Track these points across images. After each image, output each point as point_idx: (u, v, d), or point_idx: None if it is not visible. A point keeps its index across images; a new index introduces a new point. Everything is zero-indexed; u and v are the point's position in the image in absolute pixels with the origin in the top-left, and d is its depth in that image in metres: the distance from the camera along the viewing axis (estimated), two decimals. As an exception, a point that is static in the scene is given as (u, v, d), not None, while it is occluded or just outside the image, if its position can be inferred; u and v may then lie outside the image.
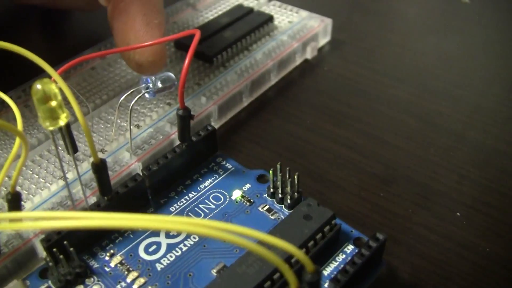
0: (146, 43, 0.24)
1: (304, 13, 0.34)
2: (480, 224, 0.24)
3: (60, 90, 0.19)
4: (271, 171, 0.23)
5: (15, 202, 0.21)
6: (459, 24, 0.38)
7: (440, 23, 0.38)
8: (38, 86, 0.18)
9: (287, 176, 0.23)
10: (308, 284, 0.17)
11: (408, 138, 0.28)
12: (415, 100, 0.31)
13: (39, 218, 0.15)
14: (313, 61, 0.34)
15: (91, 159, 0.20)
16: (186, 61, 0.21)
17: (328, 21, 0.34)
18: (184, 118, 0.22)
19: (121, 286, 0.20)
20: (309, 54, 0.33)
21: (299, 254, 0.16)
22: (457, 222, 0.24)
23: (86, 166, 0.24)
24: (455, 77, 0.33)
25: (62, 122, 0.19)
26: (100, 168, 0.20)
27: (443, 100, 0.31)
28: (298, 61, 0.33)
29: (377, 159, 0.27)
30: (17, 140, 0.20)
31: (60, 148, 0.25)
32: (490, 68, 0.33)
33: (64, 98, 0.19)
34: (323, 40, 0.35)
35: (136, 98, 0.24)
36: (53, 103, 0.19)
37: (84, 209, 0.22)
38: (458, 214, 0.24)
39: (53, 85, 0.18)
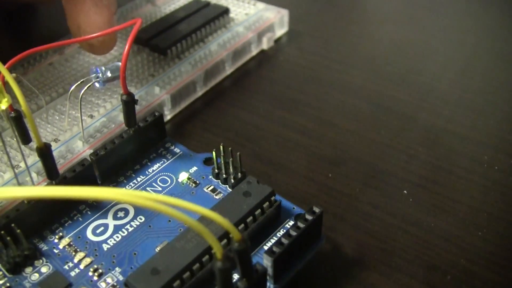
0: (94, 34, 0.25)
1: (261, 5, 0.35)
2: (426, 201, 0.25)
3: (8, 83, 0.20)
4: (214, 153, 0.23)
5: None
6: (417, 13, 0.38)
7: (397, 12, 0.39)
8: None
9: (230, 156, 0.23)
10: (236, 252, 0.17)
11: (359, 121, 0.29)
12: (368, 86, 0.32)
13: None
14: (269, 52, 0.34)
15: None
16: (126, 47, 0.22)
17: (285, 12, 0.35)
18: (128, 103, 0.23)
19: (68, 266, 0.21)
20: (265, 44, 0.34)
21: (225, 223, 0.16)
22: (403, 199, 0.25)
23: (38, 154, 0.25)
24: (410, 63, 0.33)
25: (3, 106, 0.20)
26: (44, 152, 0.21)
27: (396, 85, 0.32)
28: (254, 51, 0.34)
29: (327, 142, 0.28)
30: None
31: (15, 139, 0.26)
32: (444, 54, 0.34)
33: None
34: (280, 31, 0.35)
35: (85, 87, 0.25)
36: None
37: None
38: (405, 192, 0.25)
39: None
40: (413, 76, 0.32)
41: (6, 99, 0.20)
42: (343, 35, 0.36)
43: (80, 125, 0.25)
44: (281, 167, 0.27)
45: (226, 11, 0.33)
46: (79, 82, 0.25)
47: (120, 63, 0.25)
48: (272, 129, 0.29)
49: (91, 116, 0.27)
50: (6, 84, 0.20)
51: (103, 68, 0.25)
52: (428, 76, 0.32)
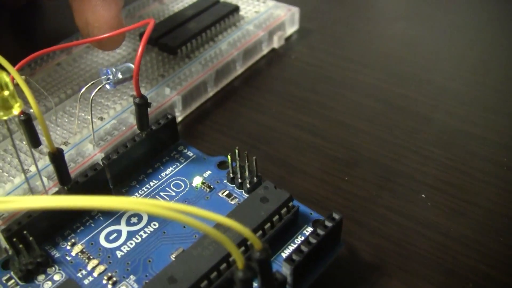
0: (106, 35, 0.25)
1: (270, 3, 0.35)
2: (443, 204, 0.24)
3: (18, 85, 0.19)
4: (229, 157, 0.23)
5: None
6: (428, 10, 0.38)
7: (408, 9, 0.38)
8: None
9: (246, 160, 0.23)
10: (257, 262, 0.17)
11: (372, 121, 0.29)
12: (381, 85, 0.31)
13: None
14: (280, 50, 0.34)
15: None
16: (139, 50, 0.22)
17: (295, 10, 0.34)
18: (141, 106, 0.23)
19: (81, 274, 0.21)
20: (276, 43, 0.33)
21: (245, 231, 0.16)
22: (420, 202, 0.25)
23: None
24: (422, 61, 0.33)
25: (16, 111, 0.19)
26: (56, 157, 0.21)
27: (409, 84, 0.31)
28: (265, 50, 0.33)
29: (340, 143, 0.27)
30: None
31: (24, 142, 0.25)
32: (458, 53, 0.34)
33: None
34: (291, 29, 0.35)
35: (96, 90, 0.24)
36: (6, 93, 0.19)
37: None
38: (422, 195, 0.25)
39: (4, 74, 0.19)
40: (427, 74, 0.32)
41: (18, 104, 0.19)
42: (354, 32, 0.36)
43: (91, 128, 0.25)
44: (295, 169, 0.26)
45: (236, 9, 0.33)
46: (89, 84, 0.25)
47: (131, 65, 0.25)
48: (285, 130, 0.28)
49: (101, 118, 0.26)
50: (16, 86, 0.20)
51: (114, 70, 0.25)
52: (442, 74, 0.32)
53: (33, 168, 0.24)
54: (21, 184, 0.24)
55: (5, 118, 0.19)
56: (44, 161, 0.24)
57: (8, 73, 0.19)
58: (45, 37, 0.36)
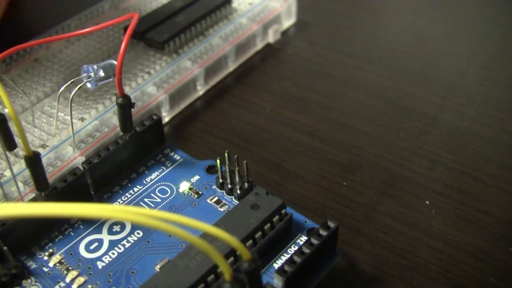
0: (87, 30, 0.25)
1: (266, -6, 0.35)
2: (451, 212, 0.25)
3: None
4: (218, 161, 0.24)
5: None
6: (436, 1, 0.39)
7: (415, 0, 0.39)
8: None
9: (236, 165, 0.23)
10: (246, 273, 0.18)
11: (375, 123, 0.29)
12: (385, 83, 0.32)
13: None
14: (276, 45, 0.35)
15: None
16: (122, 46, 0.22)
17: (292, 1, 0.35)
18: (124, 107, 0.23)
19: (59, 286, 0.21)
20: (271, 37, 0.34)
21: (233, 241, 0.17)
22: (425, 210, 0.25)
23: (25, 162, 0.25)
24: (430, 57, 0.34)
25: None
26: (33, 161, 0.21)
27: (416, 82, 0.32)
28: (259, 45, 0.34)
29: (340, 146, 0.28)
30: None
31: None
32: (469, 47, 0.34)
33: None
34: (288, 22, 0.36)
35: (76, 88, 0.25)
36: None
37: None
38: (427, 202, 0.25)
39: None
40: (435, 72, 0.33)
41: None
42: (357, 25, 0.37)
43: (70, 129, 0.26)
44: (291, 174, 0.27)
45: (228, 0, 0.33)
46: (69, 83, 0.25)
47: (114, 61, 0.25)
48: (280, 132, 0.29)
49: (82, 119, 0.27)
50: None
51: (95, 67, 0.25)
52: (451, 71, 0.32)
53: (7, 173, 0.25)
54: (-6, 190, 0.24)
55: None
56: (20, 165, 0.25)
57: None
58: (21, 29, 0.37)
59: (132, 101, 0.24)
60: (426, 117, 0.30)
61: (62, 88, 0.26)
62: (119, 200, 0.24)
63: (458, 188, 0.26)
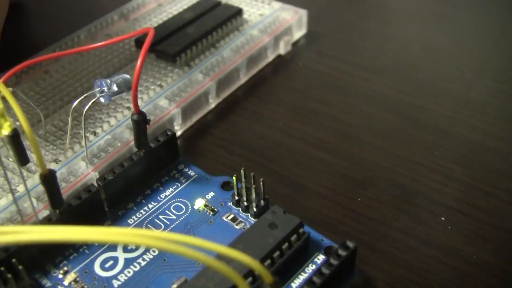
0: (100, 43, 0.25)
1: (276, 5, 0.35)
2: (466, 228, 0.25)
3: (4, 98, 0.20)
4: (234, 178, 0.24)
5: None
6: (446, 10, 0.38)
7: (425, 10, 0.39)
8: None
9: (252, 182, 0.23)
10: (268, 296, 0.17)
11: (388, 136, 0.29)
12: (396, 95, 0.32)
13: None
14: (287, 57, 0.34)
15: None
16: (138, 62, 0.22)
17: (303, 13, 0.35)
18: (139, 123, 0.23)
19: (75, 305, 0.21)
20: (283, 49, 0.34)
21: (255, 265, 0.16)
22: (440, 226, 0.25)
23: (38, 177, 0.25)
24: (441, 69, 0.33)
25: (5, 131, 0.20)
26: (48, 179, 0.21)
27: (427, 94, 0.32)
28: (271, 57, 0.34)
29: (353, 160, 0.28)
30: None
31: (10, 159, 0.26)
32: (480, 58, 0.34)
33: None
34: (298, 33, 0.35)
35: (90, 103, 0.25)
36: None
37: (35, 224, 0.23)
38: (442, 218, 0.25)
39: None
40: (446, 84, 0.32)
41: (8, 123, 0.20)
42: (367, 36, 0.36)
43: (84, 144, 0.25)
44: (304, 189, 0.27)
45: (239, 12, 0.33)
46: (82, 97, 0.25)
47: (127, 76, 0.25)
48: (293, 146, 0.29)
49: (94, 133, 0.27)
50: (2, 99, 0.20)
51: (109, 81, 0.25)
52: (462, 83, 0.32)
53: (20, 188, 0.24)
54: (8, 206, 0.24)
55: (-8, 138, 0.20)
56: (33, 180, 0.25)
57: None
58: (31, 40, 0.37)
59: (147, 117, 0.23)
60: (438, 131, 0.29)
61: (76, 103, 0.25)
62: (134, 217, 0.24)
63: (473, 204, 0.26)
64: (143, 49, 0.22)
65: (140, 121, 0.23)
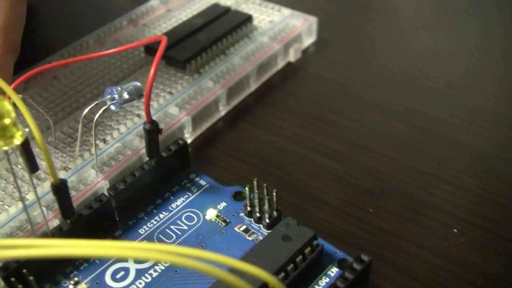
0: (111, 50, 0.25)
1: (286, 11, 0.35)
2: (478, 240, 0.25)
3: (15, 106, 0.19)
4: (247, 188, 0.23)
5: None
6: (456, 18, 0.38)
7: (434, 17, 0.39)
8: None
9: (265, 193, 0.23)
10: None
11: (397, 145, 0.29)
12: (405, 104, 0.31)
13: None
14: (296, 64, 0.34)
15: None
16: (152, 71, 0.22)
17: (313, 20, 0.35)
18: (152, 133, 0.23)
19: (86, 316, 0.21)
20: (292, 56, 0.34)
21: (270, 279, 0.16)
22: (451, 237, 0.25)
23: (48, 185, 0.24)
24: (450, 77, 0.33)
25: (17, 141, 0.19)
26: (60, 189, 0.21)
27: (436, 103, 0.31)
28: (280, 64, 0.33)
29: (363, 169, 0.28)
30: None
31: (19, 166, 0.25)
32: (490, 66, 0.34)
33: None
34: (308, 41, 0.35)
35: (100, 111, 0.25)
36: (7, 121, 0.19)
37: (45, 233, 0.22)
38: (454, 230, 0.25)
39: (6, 102, 0.19)
40: (455, 92, 0.32)
41: (20, 133, 0.19)
42: (375, 43, 0.36)
43: (94, 153, 0.25)
44: (315, 199, 0.26)
45: (249, 18, 0.33)
46: (93, 105, 0.25)
47: (138, 83, 0.25)
48: (302, 154, 0.28)
49: (104, 141, 0.26)
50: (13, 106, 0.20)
51: (119, 89, 0.25)
52: (472, 92, 0.32)
53: (30, 196, 0.24)
54: (18, 214, 0.24)
55: (5, 148, 0.19)
56: (42, 188, 0.25)
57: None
58: (39, 45, 0.36)
59: (160, 126, 0.23)
60: (447, 140, 0.29)
61: (86, 111, 0.25)
62: (145, 226, 0.24)
63: (484, 215, 0.26)
64: (156, 58, 0.22)
65: (152, 131, 0.23)
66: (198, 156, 0.28)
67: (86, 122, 0.27)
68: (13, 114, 0.19)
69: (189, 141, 0.29)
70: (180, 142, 0.25)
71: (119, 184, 0.23)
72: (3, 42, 0.25)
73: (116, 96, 0.25)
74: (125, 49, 0.25)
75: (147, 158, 0.25)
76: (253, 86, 0.32)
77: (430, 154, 0.28)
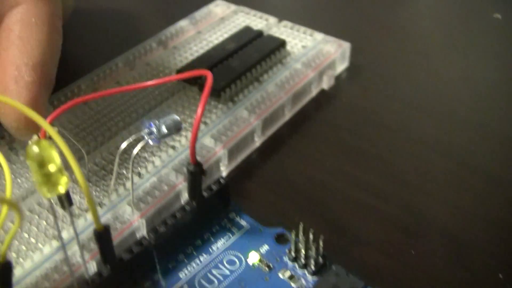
0: (151, 82, 0.24)
1: (319, 36, 0.34)
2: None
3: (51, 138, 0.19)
4: (293, 234, 0.22)
5: (5, 274, 0.20)
6: (490, 43, 0.37)
7: (467, 42, 0.38)
8: (35, 149, 0.18)
9: (310, 236, 0.22)
10: None
11: (438, 182, 0.28)
12: (443, 137, 0.30)
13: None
14: (330, 91, 0.33)
15: (88, 215, 0.20)
16: (199, 111, 0.21)
17: (347, 46, 0.34)
18: (196, 175, 0.22)
19: None
20: (326, 83, 0.33)
21: None
22: (498, 284, 0.24)
23: (82, 223, 0.24)
24: (489, 107, 0.32)
25: (62, 188, 0.19)
26: (103, 236, 0.20)
27: (475, 134, 0.31)
28: (314, 92, 0.32)
29: (403, 206, 0.27)
30: (5, 209, 0.19)
31: (52, 200, 0.24)
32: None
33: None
34: (341, 67, 0.34)
35: (139, 146, 0.24)
36: (52, 168, 0.18)
37: (83, 278, 0.21)
38: (500, 276, 0.24)
39: (53, 149, 0.18)
40: (493, 123, 0.31)
41: (66, 180, 0.18)
42: (408, 69, 0.35)
43: (131, 189, 0.24)
44: (354, 237, 0.25)
45: (282, 43, 0.32)
46: (131, 140, 0.24)
47: (176, 117, 0.24)
48: (341, 189, 0.28)
49: (139, 174, 0.25)
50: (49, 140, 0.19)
51: (157, 122, 0.24)
52: (510, 124, 0.31)
53: (64, 235, 0.23)
54: (52, 255, 0.23)
55: (49, 196, 0.18)
56: (76, 226, 0.24)
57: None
58: (67, 67, 0.35)
59: (204, 167, 0.22)
60: (490, 178, 0.28)
61: (124, 146, 0.24)
62: (185, 270, 0.23)
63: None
64: (203, 97, 0.21)
65: (197, 172, 0.22)
66: (235, 191, 0.27)
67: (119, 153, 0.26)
68: (58, 161, 0.18)
69: (224, 174, 0.28)
70: (222, 181, 0.24)
71: (159, 226, 0.23)
72: (39, 77, 0.24)
73: (154, 129, 0.24)
74: (166, 81, 0.24)
75: (184, 193, 0.24)
76: (288, 115, 0.31)
77: (472, 192, 0.27)
